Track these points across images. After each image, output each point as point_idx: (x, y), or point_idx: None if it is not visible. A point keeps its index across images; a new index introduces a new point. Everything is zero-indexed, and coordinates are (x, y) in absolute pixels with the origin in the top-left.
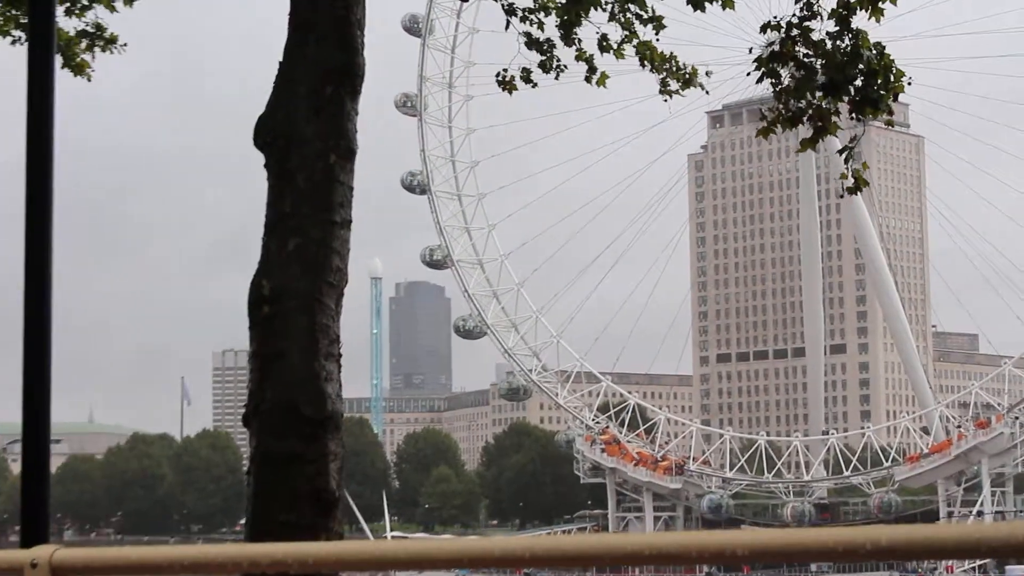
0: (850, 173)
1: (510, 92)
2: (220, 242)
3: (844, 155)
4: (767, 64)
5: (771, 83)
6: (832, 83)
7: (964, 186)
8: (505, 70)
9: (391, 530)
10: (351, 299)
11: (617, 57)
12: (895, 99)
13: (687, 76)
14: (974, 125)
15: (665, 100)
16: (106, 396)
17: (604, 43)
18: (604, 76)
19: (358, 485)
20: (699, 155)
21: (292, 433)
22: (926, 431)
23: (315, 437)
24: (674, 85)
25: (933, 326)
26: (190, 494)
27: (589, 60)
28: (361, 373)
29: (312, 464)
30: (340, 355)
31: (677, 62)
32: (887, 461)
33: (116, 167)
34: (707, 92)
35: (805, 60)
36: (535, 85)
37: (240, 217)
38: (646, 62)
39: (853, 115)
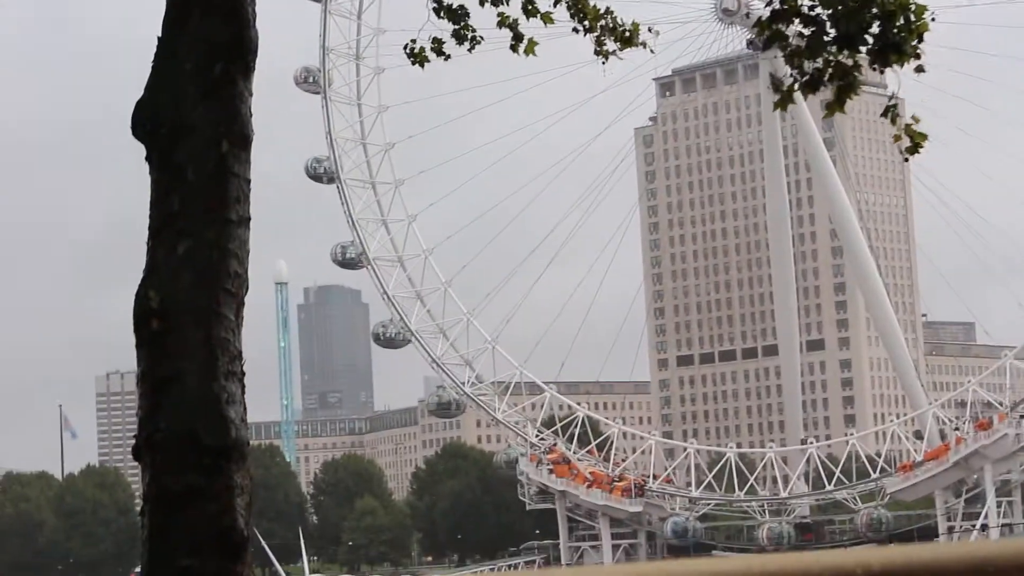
0: (903, 132)
1: (421, 65)
2: (96, 247)
3: (890, 115)
4: (769, 26)
5: (779, 47)
6: (847, 34)
7: (951, 153)
8: (414, 41)
9: (310, 572)
10: (253, 308)
11: (545, 22)
12: (920, 40)
13: (627, 34)
14: (961, 83)
15: (602, 63)
16: None
17: (530, 6)
18: (532, 43)
19: (270, 522)
20: (647, 128)
21: (191, 466)
22: (919, 436)
23: (217, 469)
24: (611, 45)
25: (923, 315)
26: (75, 540)
27: (513, 26)
28: (268, 393)
29: (215, 500)
30: (243, 373)
31: (615, 18)
32: (875, 472)
33: None
34: (652, 52)
35: (811, 14)
36: (448, 57)
37: (120, 216)
38: (576, 20)
39: (875, 67)
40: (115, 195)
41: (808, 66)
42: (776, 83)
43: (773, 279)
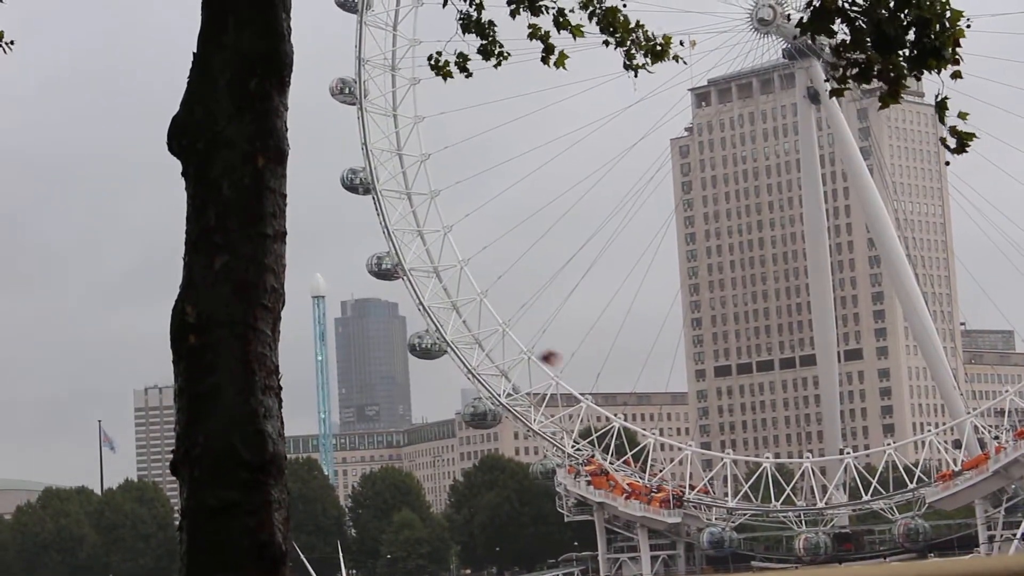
0: (948, 132)
1: (445, 79)
2: (139, 265)
3: (939, 114)
4: (810, 28)
5: (814, 43)
6: (884, 37)
7: (987, 162)
8: (439, 54)
9: None
10: (290, 322)
11: (575, 35)
12: (957, 45)
13: (658, 47)
14: (1000, 93)
15: (633, 77)
16: (10, 447)
17: (561, 18)
18: (563, 56)
19: (308, 536)
20: (683, 139)
21: (229, 480)
22: (958, 445)
23: (255, 484)
24: (641, 59)
25: (961, 324)
26: (115, 555)
27: (545, 38)
28: (306, 407)
29: (253, 515)
30: (280, 388)
31: (645, 31)
32: (913, 481)
33: (15, 178)
34: (685, 63)
35: (851, 14)
36: (470, 75)
37: (160, 234)
38: (607, 33)
39: (913, 73)
40: (155, 211)
41: (857, 56)
42: (830, 71)
43: (810, 289)
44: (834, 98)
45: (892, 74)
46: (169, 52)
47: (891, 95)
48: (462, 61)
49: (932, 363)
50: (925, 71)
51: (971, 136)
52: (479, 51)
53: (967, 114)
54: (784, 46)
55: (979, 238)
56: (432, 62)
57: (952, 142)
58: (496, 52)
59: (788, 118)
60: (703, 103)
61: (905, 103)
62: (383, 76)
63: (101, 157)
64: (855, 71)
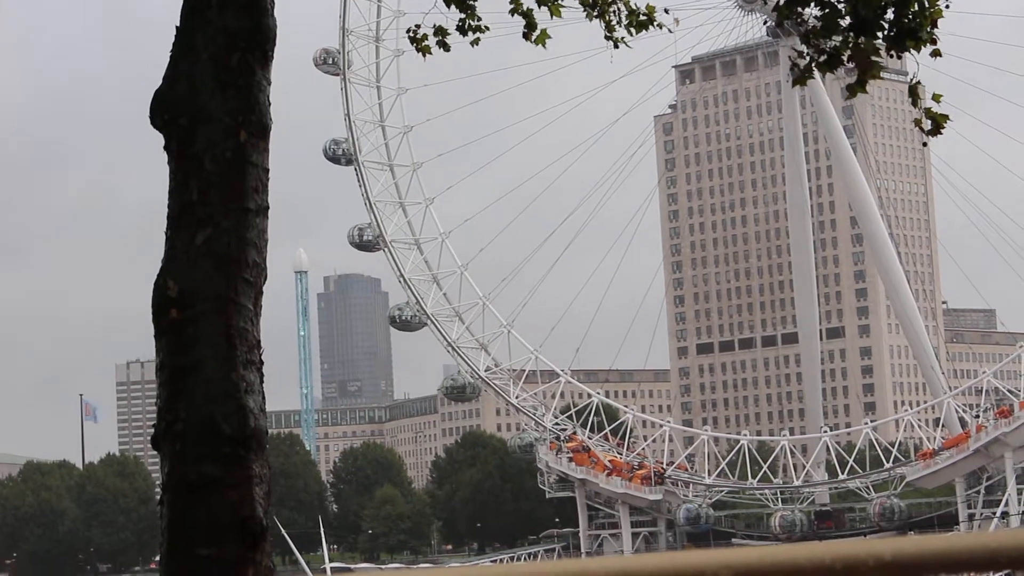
0: (923, 115)
1: (423, 54)
2: (119, 237)
3: (913, 96)
4: (786, 11)
5: (792, 25)
6: (862, 18)
7: (969, 142)
8: (418, 27)
9: (330, 561)
10: (273, 297)
11: (553, 14)
12: (935, 26)
13: (642, 18)
14: (981, 74)
15: (612, 49)
16: None
17: None
18: (544, 34)
19: (290, 511)
20: (667, 116)
21: (210, 455)
22: (940, 423)
23: (236, 458)
24: (621, 31)
25: (943, 302)
26: (96, 529)
27: (527, 14)
28: (288, 382)
29: (234, 489)
30: (261, 363)
31: (627, 2)
32: (889, 461)
33: (9, 149)
34: (671, 31)
35: None
36: (448, 49)
37: (145, 206)
38: (587, 5)
39: (892, 53)
40: (136, 186)
41: (826, 44)
42: (795, 60)
43: (793, 267)
44: (819, 76)
45: (863, 60)
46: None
47: (859, 83)
48: (441, 36)
49: (914, 342)
50: (903, 52)
51: (945, 118)
52: (457, 27)
53: (941, 96)
54: (768, 24)
55: (962, 218)
56: (410, 35)
57: (927, 124)
58: (474, 27)
59: (772, 96)
60: (687, 80)
61: (889, 82)
62: (367, 47)
63: (94, 132)
64: (823, 58)
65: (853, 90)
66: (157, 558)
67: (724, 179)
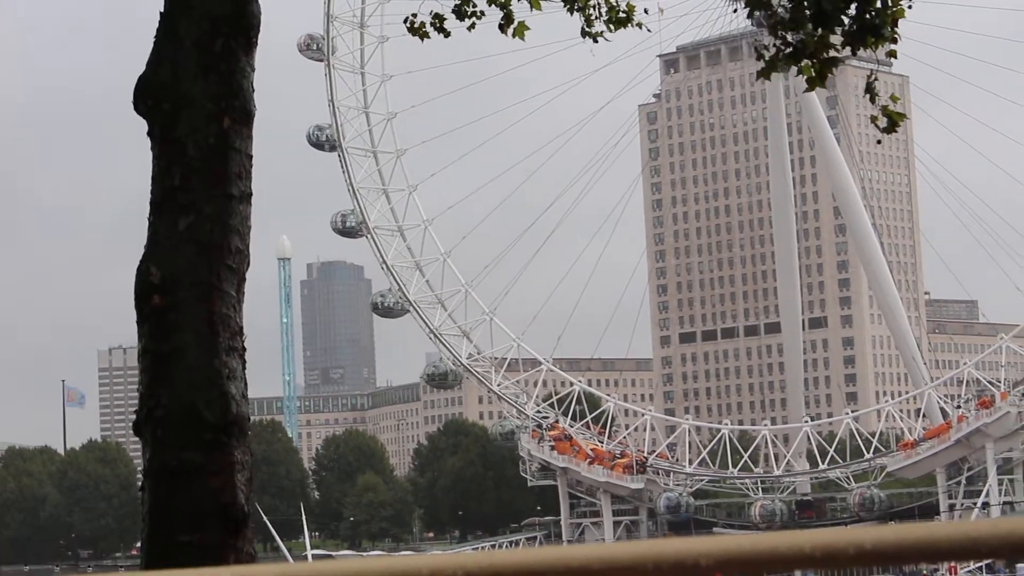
0: (880, 112)
1: (422, 39)
2: (116, 223)
3: (869, 95)
4: (754, 4)
5: (763, 16)
6: (822, 12)
7: (952, 135)
8: (414, 14)
9: (311, 548)
10: (256, 284)
11: (533, 6)
12: (895, 25)
13: (622, 14)
14: (964, 65)
15: (592, 43)
16: None
17: None
18: (522, 26)
19: (272, 498)
20: (652, 105)
21: (191, 441)
22: (922, 414)
23: (218, 445)
24: (600, 26)
25: (926, 293)
26: (77, 515)
27: (505, 5)
28: (270, 369)
29: (216, 476)
30: (244, 349)
31: None
32: (870, 451)
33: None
34: (649, 31)
35: None
36: (448, 35)
37: (132, 195)
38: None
39: (851, 48)
40: (124, 171)
41: (792, 37)
42: (759, 52)
43: (776, 257)
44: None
45: (824, 56)
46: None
47: (819, 78)
48: (438, 21)
49: (896, 332)
50: (862, 48)
51: (902, 116)
52: (453, 11)
53: (898, 98)
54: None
55: (945, 209)
56: (408, 23)
57: (883, 121)
58: (470, 12)
59: (756, 86)
60: (671, 70)
61: (871, 70)
62: (351, 33)
63: (80, 119)
64: (787, 51)
65: (812, 83)
66: (139, 544)
67: (708, 168)
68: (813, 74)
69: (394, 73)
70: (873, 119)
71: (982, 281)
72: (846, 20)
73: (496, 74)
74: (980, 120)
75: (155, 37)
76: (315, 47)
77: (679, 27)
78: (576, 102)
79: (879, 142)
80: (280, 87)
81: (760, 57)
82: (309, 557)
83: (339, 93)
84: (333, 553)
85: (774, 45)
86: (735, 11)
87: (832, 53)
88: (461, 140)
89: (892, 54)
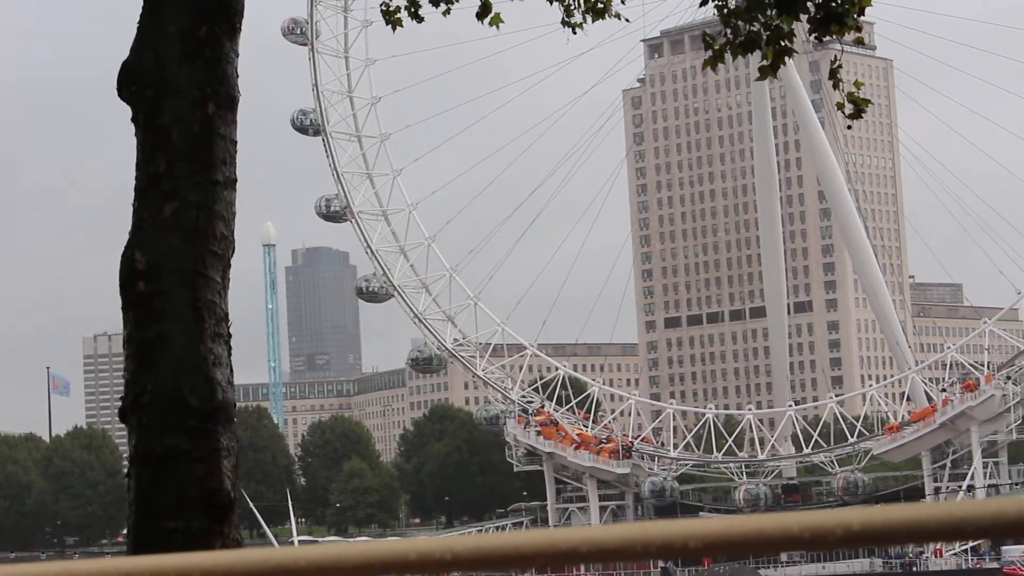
0: (844, 98)
1: (393, 28)
2: (100, 210)
3: (833, 82)
4: None
5: (716, 5)
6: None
7: (935, 119)
8: (389, 2)
9: (298, 534)
10: (241, 271)
11: None
12: (861, 13)
13: (599, 5)
14: (950, 50)
15: (570, 33)
16: None
17: None
18: (498, 17)
19: (258, 484)
20: (636, 89)
21: (177, 428)
22: (906, 397)
23: (204, 431)
24: (579, 16)
25: (911, 277)
26: (63, 502)
27: None
28: (256, 355)
29: (202, 462)
30: (229, 335)
31: None
32: (854, 435)
33: None
34: (628, 21)
35: None
36: (422, 20)
37: (116, 181)
38: None
39: (816, 36)
40: (109, 158)
41: (744, 27)
42: (707, 41)
43: (761, 241)
44: (730, 58)
45: (779, 47)
46: None
47: (772, 67)
48: (413, 7)
49: (881, 316)
50: (826, 36)
51: (867, 102)
52: None
53: (862, 83)
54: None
55: (929, 193)
56: (382, 8)
57: (849, 108)
58: None
59: (740, 70)
60: (656, 54)
61: (859, 57)
62: (335, 17)
63: (64, 105)
64: (739, 40)
65: (765, 72)
66: (124, 531)
67: (692, 153)
68: (767, 63)
69: (378, 57)
70: (839, 106)
71: (966, 265)
72: (811, 7)
73: (480, 58)
74: (964, 104)
75: (138, 22)
76: (299, 31)
77: (663, 11)
78: (560, 87)
79: (849, 127)
80: (264, 72)
81: (709, 46)
82: (295, 543)
83: (323, 77)
84: (319, 539)
85: (723, 34)
86: (702, 4)
87: (786, 43)
88: (445, 124)
89: (859, 41)
